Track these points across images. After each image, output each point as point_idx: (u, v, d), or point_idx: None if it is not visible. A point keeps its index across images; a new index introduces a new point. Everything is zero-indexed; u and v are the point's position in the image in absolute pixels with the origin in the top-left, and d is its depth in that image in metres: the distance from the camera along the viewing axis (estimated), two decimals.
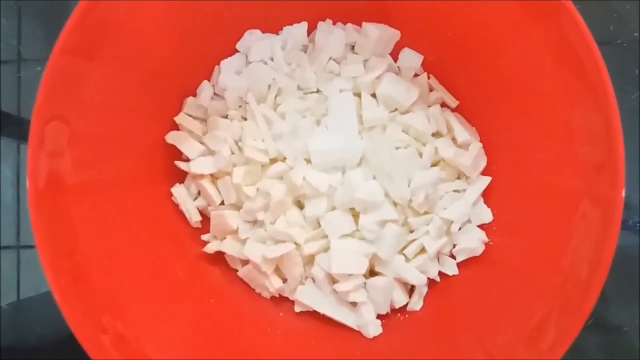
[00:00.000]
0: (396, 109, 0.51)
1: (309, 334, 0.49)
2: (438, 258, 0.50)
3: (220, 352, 0.44)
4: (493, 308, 0.44)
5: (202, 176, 0.49)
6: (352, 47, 0.52)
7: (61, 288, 0.36)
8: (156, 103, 0.48)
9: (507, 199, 0.48)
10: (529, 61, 0.43)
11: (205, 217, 0.51)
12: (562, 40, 0.39)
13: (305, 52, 0.51)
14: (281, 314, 0.50)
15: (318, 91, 0.51)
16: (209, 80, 0.52)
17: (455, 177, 0.50)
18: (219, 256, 0.51)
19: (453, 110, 0.52)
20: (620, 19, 0.62)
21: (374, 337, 0.48)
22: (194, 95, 0.51)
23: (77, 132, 0.40)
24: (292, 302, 0.50)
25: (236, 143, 0.49)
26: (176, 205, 0.51)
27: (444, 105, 0.52)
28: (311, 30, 0.51)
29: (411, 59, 0.51)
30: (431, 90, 0.52)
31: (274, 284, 0.48)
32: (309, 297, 0.48)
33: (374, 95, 0.51)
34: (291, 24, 0.51)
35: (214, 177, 0.50)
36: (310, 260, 0.48)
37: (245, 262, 0.49)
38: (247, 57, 0.51)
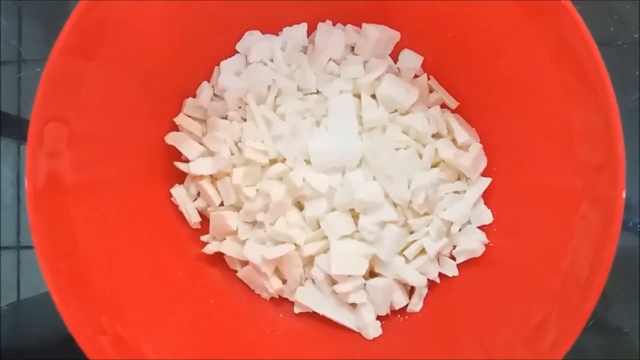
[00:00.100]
0: (396, 110, 0.51)
1: (308, 335, 0.49)
2: (438, 259, 0.50)
3: (220, 353, 0.44)
4: (493, 309, 0.44)
5: (201, 177, 0.49)
6: (352, 48, 0.52)
7: (60, 289, 0.36)
8: (156, 104, 0.48)
9: (508, 200, 0.48)
10: (529, 62, 0.42)
11: (205, 218, 0.51)
12: (562, 41, 0.39)
13: (305, 53, 0.51)
14: (281, 315, 0.50)
15: (318, 92, 0.51)
16: (208, 81, 0.52)
17: (455, 178, 0.50)
18: (219, 257, 0.51)
19: (453, 111, 0.52)
20: (621, 19, 0.62)
21: (374, 339, 0.48)
22: (194, 96, 0.51)
23: (76, 132, 0.40)
24: (292, 303, 0.50)
25: (236, 144, 0.49)
26: (175, 206, 0.51)
27: (444, 106, 0.52)
28: (311, 31, 0.51)
29: (411, 60, 0.51)
30: (431, 91, 0.52)
31: (274, 285, 0.48)
32: (308, 298, 0.48)
33: (373, 97, 0.51)
34: (291, 25, 0.51)
35: (213, 178, 0.50)
36: (310, 261, 0.48)
37: (245, 263, 0.49)
38: (246, 58, 0.51)
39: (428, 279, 0.49)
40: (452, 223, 0.48)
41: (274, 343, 0.48)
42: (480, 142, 0.50)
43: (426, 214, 0.49)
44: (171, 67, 0.47)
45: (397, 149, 0.49)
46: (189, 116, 0.51)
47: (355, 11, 0.50)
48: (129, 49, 0.43)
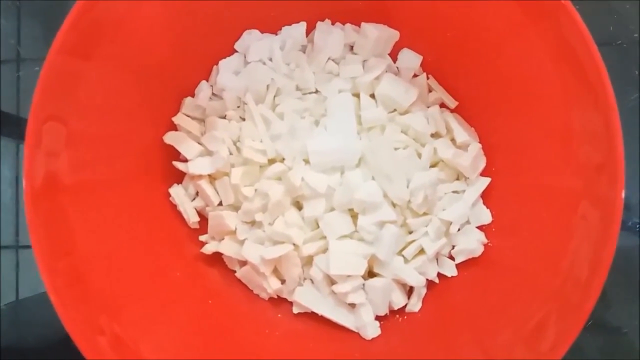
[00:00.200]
0: (395, 110, 0.51)
1: (307, 335, 0.49)
2: (437, 259, 0.50)
3: (218, 354, 0.44)
4: (492, 309, 0.44)
5: (200, 177, 0.49)
6: (351, 48, 0.52)
7: (57, 289, 0.36)
8: (154, 103, 0.48)
9: (507, 200, 0.48)
10: (528, 62, 0.42)
11: (203, 218, 0.51)
12: (562, 41, 0.39)
13: (304, 52, 0.51)
14: (279, 315, 0.50)
15: (317, 91, 0.51)
16: (207, 81, 0.52)
17: (454, 178, 0.50)
18: (217, 257, 0.50)
19: (452, 110, 0.51)
20: (620, 19, 0.62)
21: (373, 339, 0.48)
22: (192, 95, 0.51)
23: (74, 132, 0.40)
24: (291, 303, 0.50)
25: (234, 143, 0.49)
26: (174, 206, 0.50)
27: (443, 105, 0.52)
28: (310, 30, 0.51)
29: (410, 59, 0.51)
30: (430, 90, 0.52)
31: (272, 285, 0.48)
32: (307, 298, 0.48)
33: (372, 96, 0.50)
34: (290, 24, 0.51)
35: (212, 178, 0.50)
36: (308, 261, 0.48)
37: (244, 263, 0.49)
38: (245, 57, 0.51)
39: (427, 279, 0.48)
40: (451, 223, 0.48)
41: (273, 343, 0.48)
42: (480, 142, 0.50)
43: (425, 213, 0.48)
44: (170, 66, 0.47)
45: (396, 149, 0.49)
46: (188, 115, 0.50)
47: (355, 10, 0.50)
48: (127, 48, 0.43)
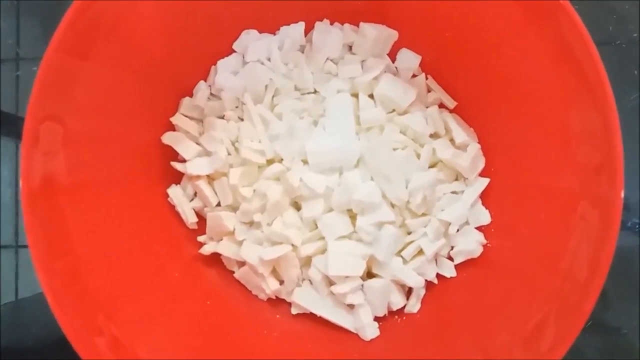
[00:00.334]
0: (394, 110, 0.50)
1: (305, 336, 0.48)
2: (436, 260, 0.49)
3: (216, 354, 0.44)
4: (491, 310, 0.44)
5: (198, 177, 0.49)
6: (350, 48, 0.52)
7: (54, 289, 0.36)
8: (152, 103, 0.48)
9: (506, 201, 0.48)
10: (527, 62, 0.42)
11: (202, 219, 0.51)
12: (561, 41, 0.39)
13: (303, 52, 0.51)
14: (278, 316, 0.50)
15: (315, 92, 0.51)
16: (205, 81, 0.51)
17: (453, 178, 0.50)
18: (215, 258, 0.50)
19: (451, 111, 0.51)
20: (620, 19, 0.62)
21: (371, 340, 0.47)
22: (190, 95, 0.51)
23: (72, 132, 0.39)
24: (289, 304, 0.49)
25: (233, 144, 0.49)
26: (172, 207, 0.50)
27: (442, 106, 0.52)
28: (308, 30, 0.51)
29: (409, 59, 0.51)
30: (429, 91, 0.52)
31: (271, 286, 0.48)
32: (305, 299, 0.48)
33: (371, 96, 0.50)
34: (288, 24, 0.51)
35: (210, 178, 0.50)
36: (307, 262, 0.48)
37: (242, 263, 0.49)
38: (243, 57, 0.51)
39: (426, 280, 0.48)
40: (449, 224, 0.48)
41: (271, 344, 0.47)
42: (479, 142, 0.50)
43: (424, 214, 0.48)
44: (168, 66, 0.47)
45: (394, 149, 0.49)
46: (186, 116, 0.50)
47: (353, 10, 0.50)
48: (125, 47, 0.42)
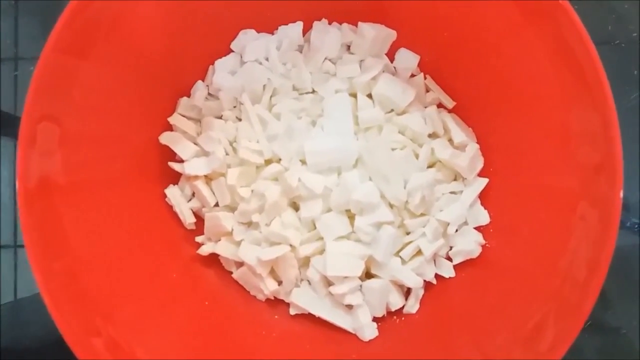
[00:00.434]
0: (392, 110, 0.50)
1: (304, 336, 0.48)
2: (434, 260, 0.49)
3: (214, 355, 0.44)
4: (490, 310, 0.44)
5: (196, 177, 0.49)
6: (348, 47, 0.51)
7: (51, 290, 0.35)
8: (149, 103, 0.47)
9: (505, 201, 0.48)
10: (526, 62, 0.42)
11: (200, 219, 0.51)
12: (560, 41, 0.38)
13: (301, 52, 0.51)
14: (276, 316, 0.50)
15: (313, 91, 0.51)
16: (203, 80, 0.51)
17: (451, 178, 0.50)
18: (214, 258, 0.50)
19: (450, 111, 0.51)
20: (619, 18, 0.62)
21: (370, 340, 0.47)
22: (188, 95, 0.51)
23: (69, 132, 0.39)
24: (287, 304, 0.49)
25: (231, 144, 0.49)
26: (170, 207, 0.50)
27: (440, 106, 0.52)
28: (306, 30, 0.51)
29: (408, 59, 0.51)
30: (428, 90, 0.52)
31: (269, 287, 0.48)
32: (304, 300, 0.48)
33: (370, 96, 0.50)
34: (286, 24, 0.50)
35: (208, 179, 0.50)
36: (305, 262, 0.48)
37: (240, 264, 0.49)
38: (241, 57, 0.51)
39: (424, 280, 0.48)
40: (448, 224, 0.48)
41: (270, 345, 0.47)
42: (477, 142, 0.50)
43: (422, 214, 0.48)
44: (165, 66, 0.47)
45: (393, 149, 0.49)
46: (184, 116, 0.50)
47: (351, 10, 0.50)
48: (122, 47, 0.42)
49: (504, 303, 0.43)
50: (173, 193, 0.50)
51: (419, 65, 0.51)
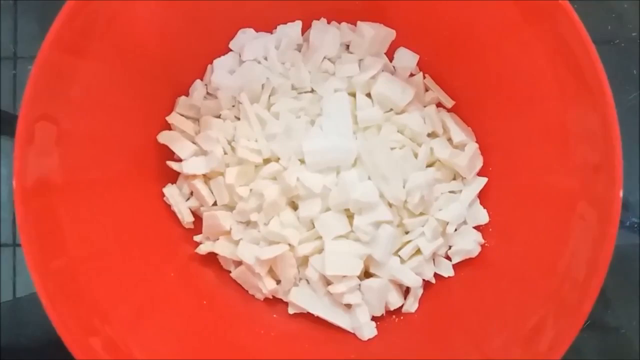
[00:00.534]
0: (391, 109, 0.50)
1: (302, 336, 0.48)
2: (433, 259, 0.49)
3: (213, 355, 0.44)
4: (489, 310, 0.44)
5: (194, 176, 0.49)
6: (347, 47, 0.51)
7: (48, 290, 0.35)
8: (148, 102, 0.47)
9: (504, 200, 0.48)
10: (525, 61, 0.42)
11: (198, 218, 0.51)
12: (559, 40, 0.38)
13: (300, 51, 0.51)
14: (275, 315, 0.50)
15: (312, 91, 0.51)
16: (201, 80, 0.51)
17: (451, 178, 0.50)
18: (212, 257, 0.50)
19: (449, 110, 0.51)
20: (619, 18, 0.62)
21: (369, 339, 0.47)
22: (187, 94, 0.51)
23: (66, 131, 0.39)
24: (286, 303, 0.49)
25: (229, 143, 0.49)
26: (168, 206, 0.50)
27: (439, 105, 0.52)
28: (305, 29, 0.51)
29: (407, 58, 0.50)
30: (427, 90, 0.52)
31: (268, 286, 0.48)
32: (302, 299, 0.48)
33: (369, 95, 0.50)
34: (285, 23, 0.50)
35: (206, 178, 0.50)
36: (304, 261, 0.48)
37: (239, 263, 0.49)
38: (240, 56, 0.51)
39: (423, 280, 0.48)
40: (447, 223, 0.48)
41: (268, 344, 0.47)
42: (477, 142, 0.50)
43: (421, 214, 0.48)
44: (164, 64, 0.47)
45: (392, 149, 0.48)
46: (182, 115, 0.50)
47: (351, 9, 0.50)
48: (120, 46, 0.42)
49: (503, 302, 0.43)
50: (171, 192, 0.50)
51: (418, 64, 0.51)
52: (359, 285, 0.47)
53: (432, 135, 0.50)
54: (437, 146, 0.49)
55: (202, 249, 0.49)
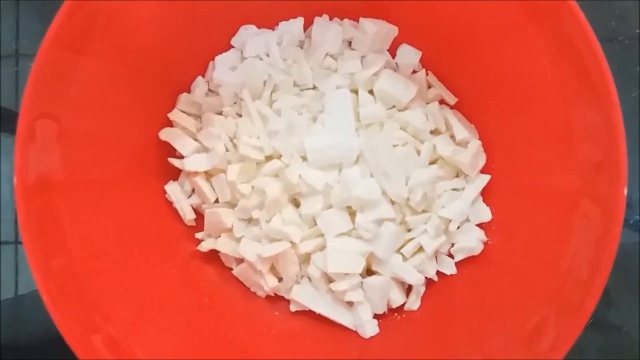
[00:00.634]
0: (394, 106, 0.50)
1: (304, 333, 0.48)
2: (436, 257, 0.49)
3: (214, 352, 0.44)
4: (491, 308, 0.43)
5: (196, 173, 0.49)
6: (349, 43, 0.51)
7: (49, 288, 0.35)
8: (149, 99, 0.47)
9: (507, 198, 0.48)
10: (529, 58, 0.42)
11: (200, 215, 0.50)
12: (563, 37, 0.38)
13: (302, 48, 0.51)
14: (276, 313, 0.49)
15: (314, 87, 0.51)
16: (203, 76, 0.51)
17: (453, 175, 0.50)
18: (214, 255, 0.50)
19: (452, 107, 0.51)
20: (622, 15, 0.61)
21: (371, 337, 0.47)
22: (188, 91, 0.51)
23: (67, 128, 0.39)
24: (288, 301, 0.49)
25: (231, 140, 0.49)
26: (170, 203, 0.50)
27: (442, 102, 0.51)
28: (307, 25, 0.51)
29: (409, 55, 0.50)
30: (429, 87, 0.51)
31: (269, 283, 0.48)
32: (304, 297, 0.48)
33: (371, 92, 0.50)
34: (287, 20, 0.50)
35: (208, 175, 0.49)
36: (306, 259, 0.48)
37: (240, 260, 0.49)
38: (242, 52, 0.51)
39: (426, 277, 0.48)
40: (450, 220, 0.48)
41: (270, 342, 0.47)
42: (480, 139, 0.49)
43: (424, 211, 0.48)
44: (165, 61, 0.47)
45: (394, 146, 0.48)
46: (184, 112, 0.50)
47: (353, 6, 0.49)
48: (122, 43, 0.42)
49: (505, 301, 0.43)
50: (173, 189, 0.50)
51: (420, 61, 0.51)
52: (361, 282, 0.47)
53: (434, 132, 0.50)
54: (440, 143, 0.49)
55: (204, 247, 0.49)
